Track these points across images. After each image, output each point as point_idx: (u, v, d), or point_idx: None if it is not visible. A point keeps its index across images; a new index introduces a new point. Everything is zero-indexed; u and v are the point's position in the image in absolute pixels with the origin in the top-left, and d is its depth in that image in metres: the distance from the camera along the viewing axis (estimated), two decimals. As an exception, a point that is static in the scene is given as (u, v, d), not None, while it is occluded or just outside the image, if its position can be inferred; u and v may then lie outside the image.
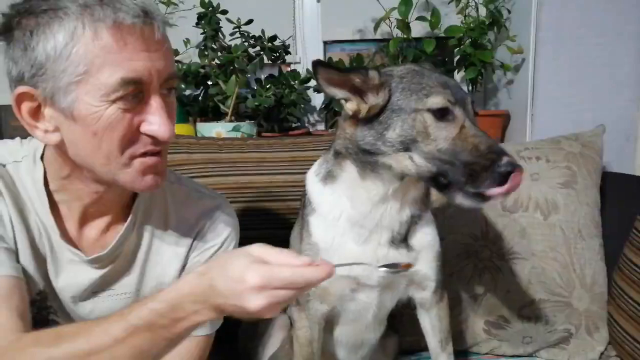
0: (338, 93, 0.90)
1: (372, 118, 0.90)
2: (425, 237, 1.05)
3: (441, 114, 0.85)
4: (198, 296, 0.69)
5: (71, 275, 0.90)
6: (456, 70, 1.92)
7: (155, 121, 0.78)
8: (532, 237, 1.37)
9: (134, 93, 0.76)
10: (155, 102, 0.78)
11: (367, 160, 0.93)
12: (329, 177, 1.02)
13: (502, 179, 0.79)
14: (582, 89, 1.74)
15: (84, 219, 0.90)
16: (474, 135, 0.84)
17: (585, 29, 1.72)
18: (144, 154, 0.80)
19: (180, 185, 1.01)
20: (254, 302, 0.65)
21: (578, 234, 1.38)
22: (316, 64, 0.86)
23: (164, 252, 0.97)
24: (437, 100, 0.85)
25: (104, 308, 0.93)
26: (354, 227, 1.01)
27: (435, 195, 1.10)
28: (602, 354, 1.35)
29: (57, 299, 0.92)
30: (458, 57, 1.86)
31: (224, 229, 1.00)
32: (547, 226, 1.37)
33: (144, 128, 0.78)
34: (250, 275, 0.65)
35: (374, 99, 0.88)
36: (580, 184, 1.41)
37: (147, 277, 0.96)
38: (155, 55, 0.76)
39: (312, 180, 1.06)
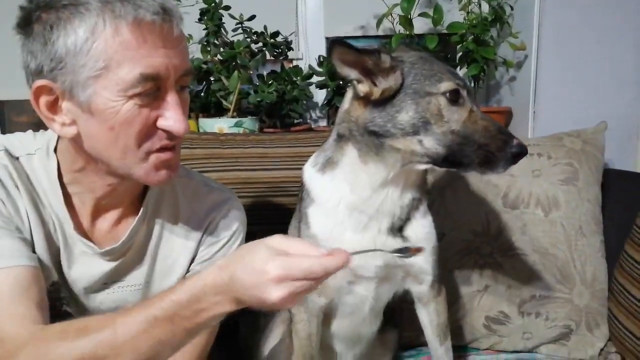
0: (351, 73, 0.92)
1: (384, 101, 0.92)
2: (422, 230, 1.05)
3: (453, 98, 0.90)
4: (219, 287, 0.70)
5: (84, 267, 0.91)
6: (458, 67, 1.91)
7: (171, 116, 0.79)
8: (533, 234, 1.37)
9: (152, 89, 0.77)
10: (171, 98, 0.79)
11: (373, 142, 0.95)
12: (328, 164, 1.03)
13: (514, 159, 0.88)
14: (585, 86, 1.73)
15: (97, 212, 0.92)
16: (483, 118, 0.91)
17: (588, 26, 1.71)
18: (160, 149, 0.81)
19: (190, 179, 1.02)
20: (275, 294, 0.66)
21: (579, 230, 1.38)
22: (333, 42, 0.88)
23: (173, 245, 0.98)
24: (450, 85, 0.90)
25: (114, 300, 0.95)
26: (353, 213, 1.01)
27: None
28: (602, 350, 1.36)
29: (70, 290, 0.93)
30: (460, 53, 1.86)
31: (232, 223, 1.01)
32: (548, 222, 1.38)
33: (160, 123, 0.79)
34: (270, 266, 0.66)
35: (385, 82, 0.91)
36: (581, 181, 1.41)
37: (157, 269, 0.97)
38: (173, 52, 0.77)
39: (309, 171, 1.08)
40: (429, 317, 1.15)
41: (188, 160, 1.48)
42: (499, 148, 0.87)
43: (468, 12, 1.83)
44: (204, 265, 0.98)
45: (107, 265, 0.92)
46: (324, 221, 1.04)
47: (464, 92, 0.91)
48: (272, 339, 1.21)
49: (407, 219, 1.04)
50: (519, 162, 0.89)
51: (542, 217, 1.38)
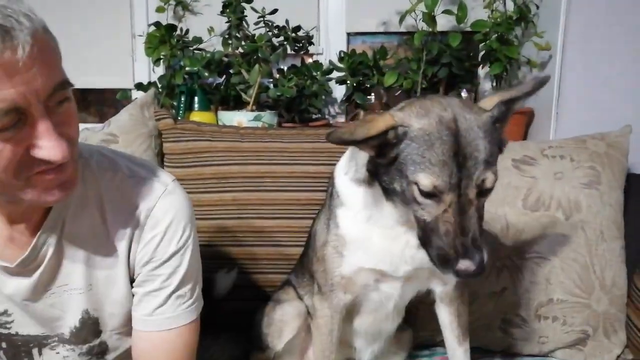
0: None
1: (386, 165, 0.88)
2: None
3: (427, 194, 0.82)
4: None
5: (10, 283, 0.89)
6: (481, 66, 1.89)
7: (45, 145, 0.72)
8: (552, 237, 1.36)
9: (13, 121, 0.69)
10: (42, 126, 0.71)
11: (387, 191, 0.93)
12: (362, 181, 1.00)
13: (458, 275, 0.83)
14: (610, 88, 1.70)
15: (9, 225, 0.87)
16: (452, 223, 0.81)
17: (615, 27, 1.68)
18: (43, 171, 0.75)
19: (115, 172, 0.94)
20: None
21: (600, 235, 1.36)
22: (332, 139, 0.84)
23: (104, 247, 0.92)
24: (425, 182, 0.81)
25: (64, 301, 0.93)
26: (383, 228, 1.01)
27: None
28: (618, 356, 1.34)
29: (13, 303, 0.91)
30: (483, 52, 1.84)
31: (164, 215, 0.92)
32: (569, 226, 1.36)
33: (34, 153, 0.73)
34: None
35: (390, 154, 0.86)
36: (604, 185, 1.39)
37: (95, 271, 0.93)
38: (27, 76, 0.68)
39: (342, 178, 1.05)
40: (450, 317, 1.14)
41: (209, 152, 1.50)
42: (446, 260, 0.82)
43: (492, 10, 1.82)
44: (149, 272, 0.93)
45: (26, 280, 0.89)
46: (353, 225, 1.03)
47: (441, 193, 0.81)
48: (287, 333, 1.21)
49: None
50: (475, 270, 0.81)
51: (563, 220, 1.36)
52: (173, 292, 0.94)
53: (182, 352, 0.96)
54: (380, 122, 0.83)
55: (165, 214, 0.93)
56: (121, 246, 0.93)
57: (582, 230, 1.36)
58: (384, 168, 0.88)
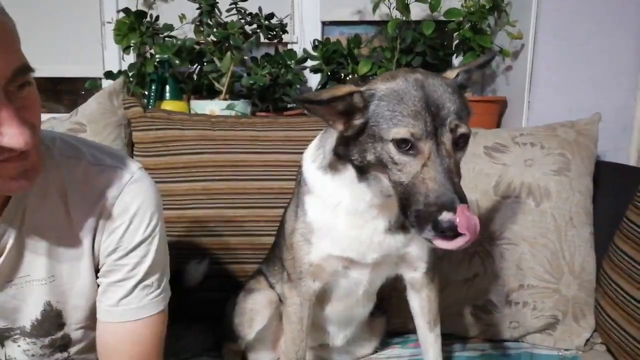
0: (326, 118, 0.89)
1: (356, 136, 0.88)
2: None
3: (404, 147, 0.80)
4: None
5: None
6: (455, 55, 1.90)
7: (7, 132, 0.70)
8: (523, 223, 1.37)
9: None
10: (2, 113, 0.69)
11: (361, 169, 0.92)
12: (329, 167, 1.00)
13: (444, 234, 0.77)
14: (580, 77, 1.72)
15: None
16: (432, 178, 0.79)
17: (586, 17, 1.70)
18: (5, 160, 0.73)
19: (79, 160, 0.91)
20: None
21: (569, 221, 1.37)
22: (299, 100, 0.85)
23: (67, 237, 0.89)
24: (400, 132, 0.80)
25: (26, 292, 0.90)
26: (350, 215, 1.00)
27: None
28: (587, 340, 1.36)
29: None
30: (457, 41, 1.85)
31: (130, 204, 0.90)
32: (539, 212, 1.37)
33: None
34: None
35: (358, 120, 0.86)
36: (573, 172, 1.40)
37: (58, 263, 0.90)
38: None
39: (310, 166, 1.04)
40: (421, 303, 1.15)
41: (179, 141, 1.47)
42: (427, 217, 0.77)
43: (466, -1, 1.82)
44: (115, 262, 0.91)
45: None
46: (321, 212, 1.03)
47: (418, 142, 0.80)
48: (258, 322, 1.20)
49: None
50: (458, 246, 0.77)
51: (533, 206, 1.37)
52: (139, 282, 0.92)
53: (149, 343, 0.94)
54: (346, 87, 0.85)
55: (132, 202, 0.90)
56: (85, 236, 0.90)
57: (552, 216, 1.37)
58: (354, 142, 0.88)
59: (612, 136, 1.69)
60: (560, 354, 1.34)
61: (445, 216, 0.75)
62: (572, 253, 1.37)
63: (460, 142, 0.83)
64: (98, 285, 0.93)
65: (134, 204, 0.90)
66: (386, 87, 0.85)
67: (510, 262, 1.36)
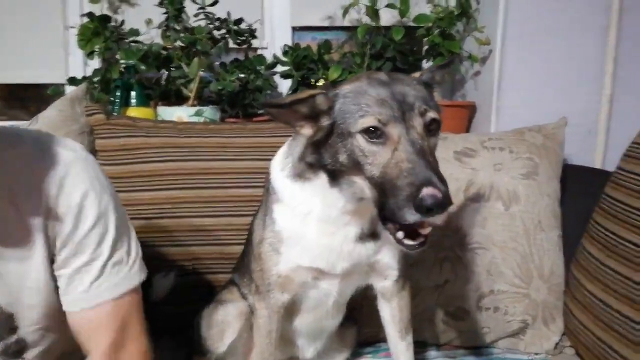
0: (292, 123, 0.87)
1: (325, 139, 0.86)
2: None
3: (372, 135, 0.78)
4: None
5: None
6: (424, 60, 1.90)
7: None
8: (493, 228, 1.37)
9: None
10: None
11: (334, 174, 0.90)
12: (298, 176, 0.97)
13: (431, 213, 0.73)
14: (547, 82, 1.75)
15: None
16: (404, 159, 0.76)
17: (552, 23, 1.72)
18: None
19: (19, 147, 0.86)
20: None
21: (538, 224, 1.38)
22: (263, 105, 0.85)
23: (15, 231, 0.85)
24: (366, 121, 0.78)
25: None
26: (321, 223, 0.98)
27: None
28: (557, 344, 1.37)
29: None
30: (426, 46, 1.85)
31: (79, 183, 0.86)
32: (508, 216, 1.38)
33: None
34: None
35: (326, 122, 0.85)
36: (541, 175, 1.41)
37: (6, 260, 0.86)
38: None
39: (278, 174, 1.02)
40: (392, 312, 1.13)
41: (144, 148, 1.43)
42: (406, 202, 0.73)
43: (435, 5, 1.83)
44: (75, 247, 0.86)
45: None
46: (290, 220, 1.00)
47: (385, 127, 0.78)
48: (229, 335, 1.16)
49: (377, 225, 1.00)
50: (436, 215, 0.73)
51: (503, 211, 1.38)
52: (107, 260, 0.88)
53: (133, 316, 0.92)
54: (309, 90, 0.86)
55: (79, 181, 0.87)
56: (36, 227, 0.85)
57: (521, 220, 1.38)
58: (325, 146, 0.87)
59: (578, 140, 1.71)
60: (530, 358, 1.35)
61: (426, 191, 0.72)
62: (541, 257, 1.37)
63: (432, 128, 0.83)
64: (56, 281, 0.89)
65: (82, 183, 0.86)
66: (350, 86, 0.85)
67: (480, 267, 1.36)
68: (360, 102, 0.81)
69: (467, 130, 1.88)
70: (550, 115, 1.57)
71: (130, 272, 0.91)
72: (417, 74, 0.93)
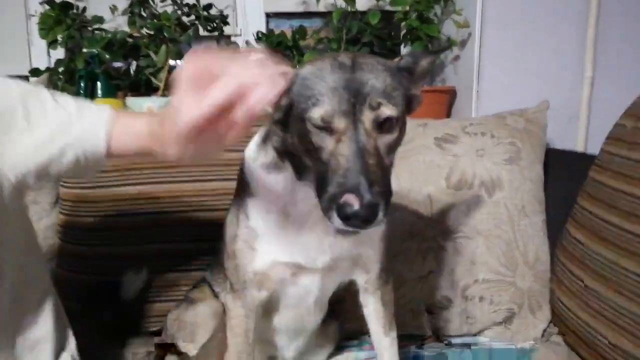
0: None
1: (285, 120, 0.80)
2: None
3: (321, 125, 0.73)
4: None
5: None
6: (402, 45, 1.85)
7: None
8: (477, 216, 1.33)
9: None
10: None
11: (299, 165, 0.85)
12: (271, 166, 0.91)
13: (348, 221, 0.69)
14: (528, 66, 1.71)
15: None
16: (342, 154, 0.71)
17: (532, 6, 1.68)
18: None
19: None
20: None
21: (521, 210, 1.35)
22: None
23: None
24: (315, 111, 0.73)
25: None
26: (298, 216, 0.92)
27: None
28: (544, 331, 1.34)
29: None
30: (404, 30, 1.80)
31: None
32: (492, 204, 1.34)
33: None
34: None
35: (284, 101, 0.79)
36: (524, 160, 1.38)
37: None
38: None
39: (251, 166, 0.95)
40: (375, 307, 1.08)
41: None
42: (331, 200, 0.70)
43: (412, -13, 1.77)
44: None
45: None
46: (265, 215, 0.94)
47: (332, 118, 0.73)
48: (201, 336, 1.10)
49: None
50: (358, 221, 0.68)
51: (486, 198, 1.34)
52: None
53: None
54: None
55: None
56: None
57: (504, 206, 1.34)
58: (286, 128, 0.81)
59: (559, 126, 1.68)
60: (517, 347, 1.31)
61: (347, 198, 0.67)
62: (525, 243, 1.34)
63: (386, 125, 0.75)
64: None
65: None
66: (311, 68, 0.77)
67: (464, 257, 1.32)
68: (314, 87, 0.75)
69: (448, 115, 1.85)
70: (532, 99, 1.53)
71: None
72: (396, 60, 0.85)
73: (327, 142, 0.74)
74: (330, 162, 0.73)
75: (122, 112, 0.90)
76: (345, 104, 0.72)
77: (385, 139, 0.76)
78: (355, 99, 0.73)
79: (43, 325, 0.93)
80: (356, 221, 0.68)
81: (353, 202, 0.67)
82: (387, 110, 0.74)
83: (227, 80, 0.63)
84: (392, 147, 0.78)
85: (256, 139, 0.97)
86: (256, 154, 0.95)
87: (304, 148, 0.78)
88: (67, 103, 0.85)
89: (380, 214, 0.69)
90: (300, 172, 0.86)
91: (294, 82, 0.77)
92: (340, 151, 0.72)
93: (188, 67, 0.65)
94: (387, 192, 0.72)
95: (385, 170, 0.75)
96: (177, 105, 0.65)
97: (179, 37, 1.62)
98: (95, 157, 0.84)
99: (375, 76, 0.75)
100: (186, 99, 0.64)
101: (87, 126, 0.83)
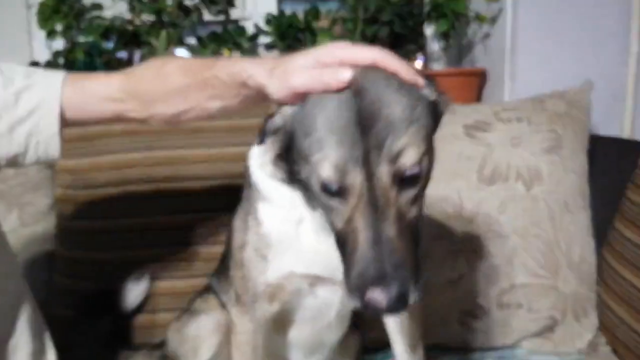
0: None
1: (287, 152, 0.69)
2: None
3: (329, 188, 0.60)
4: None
5: None
6: (426, 23, 1.72)
7: None
8: (512, 213, 1.22)
9: None
10: None
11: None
12: (282, 179, 0.79)
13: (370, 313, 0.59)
14: (568, 41, 1.56)
15: None
16: (361, 233, 0.58)
17: (569, -25, 1.54)
18: None
19: None
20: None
21: (564, 206, 1.23)
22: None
23: None
24: (322, 170, 0.59)
25: None
26: (317, 222, 0.79)
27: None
28: (590, 341, 1.22)
29: None
30: (428, 7, 1.67)
31: None
32: (530, 199, 1.22)
33: None
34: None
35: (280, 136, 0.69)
36: (566, 149, 1.25)
37: None
38: None
39: (258, 172, 0.83)
40: (401, 321, 0.95)
41: (104, 138, 1.25)
42: (353, 289, 0.59)
43: (435, -41, 1.63)
44: None
45: None
46: (280, 223, 0.82)
47: (346, 178, 0.58)
48: (204, 352, 1.00)
49: None
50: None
51: (523, 192, 1.22)
52: None
53: None
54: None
55: None
56: None
57: (544, 202, 1.22)
58: (289, 164, 0.69)
59: (602, 107, 1.53)
60: (560, 358, 1.19)
61: (371, 295, 0.56)
62: (568, 243, 1.22)
63: (409, 177, 0.59)
64: None
65: None
66: (310, 95, 0.63)
67: (499, 259, 1.21)
68: (315, 123, 0.60)
69: (478, 100, 1.72)
70: (571, 79, 1.40)
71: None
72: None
73: (342, 210, 0.60)
74: (348, 233, 0.60)
75: (82, 75, 0.84)
76: (357, 150, 0.57)
77: (409, 194, 0.61)
78: (368, 142, 0.57)
79: (19, 333, 0.86)
80: (379, 314, 0.61)
81: (379, 299, 0.56)
82: (410, 158, 0.58)
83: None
84: (419, 196, 0.63)
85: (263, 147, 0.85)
86: (261, 160, 0.83)
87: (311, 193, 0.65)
88: (15, 73, 0.78)
89: (412, 299, 0.58)
90: (312, 204, 0.74)
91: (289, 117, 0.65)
92: (357, 224, 0.58)
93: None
94: (416, 265, 0.59)
95: (411, 234, 0.61)
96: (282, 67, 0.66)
97: (180, 22, 1.51)
98: (50, 130, 0.79)
99: (389, 99, 0.59)
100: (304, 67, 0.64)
101: (35, 99, 0.77)
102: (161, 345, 1.14)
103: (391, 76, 0.62)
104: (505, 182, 1.22)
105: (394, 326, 0.97)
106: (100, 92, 0.79)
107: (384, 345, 1.19)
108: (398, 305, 0.56)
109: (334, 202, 0.61)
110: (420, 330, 0.98)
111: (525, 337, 1.23)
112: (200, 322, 1.03)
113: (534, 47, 1.57)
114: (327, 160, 0.58)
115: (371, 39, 1.64)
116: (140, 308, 1.21)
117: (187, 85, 0.76)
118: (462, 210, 1.22)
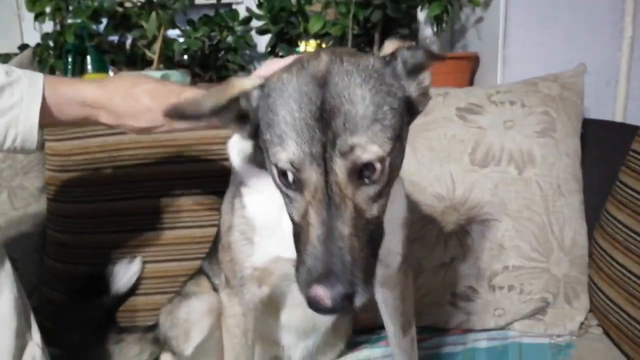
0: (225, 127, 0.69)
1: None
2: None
3: (286, 179, 0.60)
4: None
5: None
6: (419, 7, 1.69)
7: None
8: (505, 195, 1.20)
9: None
10: None
11: None
12: (258, 159, 0.78)
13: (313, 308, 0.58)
14: (559, 26, 1.55)
15: None
16: (313, 229, 0.57)
17: (561, -41, 1.51)
18: None
19: None
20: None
21: (557, 189, 1.21)
22: (170, 114, 0.66)
23: None
24: (279, 160, 0.58)
25: None
26: None
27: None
28: (582, 323, 1.21)
29: None
30: (421, -10, 1.64)
31: None
32: (523, 182, 1.20)
33: None
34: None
35: (248, 126, 0.67)
36: (559, 132, 1.23)
37: None
38: None
39: (237, 159, 0.83)
40: (393, 303, 0.95)
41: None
42: (301, 284, 0.59)
43: (429, -59, 1.60)
44: None
45: None
46: (264, 206, 0.81)
47: (301, 173, 0.57)
48: (196, 335, 1.00)
49: None
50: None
51: (516, 175, 1.20)
52: None
53: None
54: (236, 87, 0.63)
55: None
56: None
57: (537, 185, 1.21)
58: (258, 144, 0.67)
59: (595, 91, 1.53)
60: (552, 341, 1.19)
61: (315, 292, 0.56)
62: (561, 226, 1.21)
63: (367, 172, 0.58)
64: None
65: None
66: (278, 82, 0.60)
67: (492, 242, 1.19)
68: (278, 113, 0.58)
69: (471, 83, 1.70)
70: (564, 64, 1.38)
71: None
72: (390, 47, 0.64)
73: (297, 200, 0.60)
74: (302, 227, 0.59)
75: (59, 79, 0.93)
76: (315, 145, 0.55)
77: (369, 191, 0.59)
78: (326, 135, 0.55)
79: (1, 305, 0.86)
80: (328, 313, 0.57)
81: (321, 297, 0.55)
82: (366, 153, 0.56)
83: None
84: (380, 194, 0.61)
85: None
86: (240, 147, 0.82)
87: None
88: None
89: (358, 301, 0.56)
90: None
91: (260, 102, 0.62)
92: (310, 219, 0.57)
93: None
94: (369, 266, 0.58)
95: (369, 233, 0.60)
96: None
97: (171, 4, 1.48)
98: (29, 124, 0.83)
99: (351, 94, 0.57)
100: None
101: (18, 94, 0.82)
102: (154, 327, 1.14)
103: (363, 68, 0.59)
104: (498, 165, 1.20)
105: (387, 308, 0.96)
106: (75, 97, 0.85)
107: (377, 327, 1.20)
108: (342, 305, 0.55)
109: (292, 194, 0.60)
110: (412, 312, 0.97)
111: (517, 319, 1.22)
112: (192, 306, 1.02)
113: (526, 31, 1.55)
114: (284, 154, 0.57)
115: (364, 23, 1.63)
116: (132, 291, 1.20)
117: (155, 108, 0.82)
118: (454, 193, 1.20)
